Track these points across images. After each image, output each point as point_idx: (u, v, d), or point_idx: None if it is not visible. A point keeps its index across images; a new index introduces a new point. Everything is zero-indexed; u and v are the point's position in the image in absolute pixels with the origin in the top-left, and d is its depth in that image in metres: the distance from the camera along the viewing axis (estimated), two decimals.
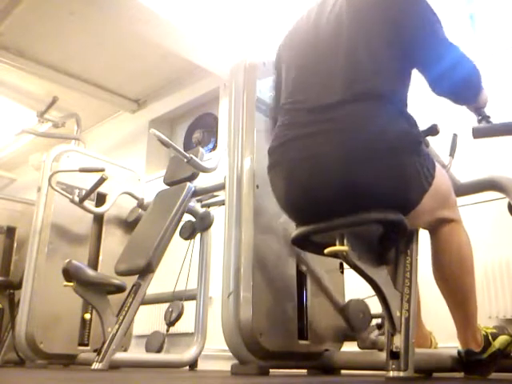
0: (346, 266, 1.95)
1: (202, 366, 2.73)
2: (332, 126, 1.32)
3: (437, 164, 1.46)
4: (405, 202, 1.37)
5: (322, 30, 1.47)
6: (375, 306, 1.70)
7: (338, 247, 1.32)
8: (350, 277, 1.94)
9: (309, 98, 1.41)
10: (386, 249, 1.42)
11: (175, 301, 2.67)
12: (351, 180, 1.30)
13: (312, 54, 1.47)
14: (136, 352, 3.06)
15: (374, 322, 1.99)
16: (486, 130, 1.57)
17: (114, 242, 3.10)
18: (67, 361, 2.72)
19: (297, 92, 1.46)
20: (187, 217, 2.71)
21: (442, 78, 1.42)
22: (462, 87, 1.47)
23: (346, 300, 2.04)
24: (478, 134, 1.54)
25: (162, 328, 2.71)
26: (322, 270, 1.93)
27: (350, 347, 1.99)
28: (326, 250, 1.34)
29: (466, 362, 1.47)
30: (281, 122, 1.48)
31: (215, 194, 2.74)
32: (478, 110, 1.59)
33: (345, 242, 1.32)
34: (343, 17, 1.43)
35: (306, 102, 1.41)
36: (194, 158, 2.50)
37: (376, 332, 1.92)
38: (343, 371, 1.94)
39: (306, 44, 1.50)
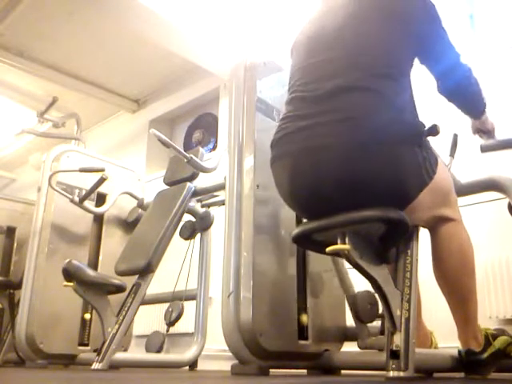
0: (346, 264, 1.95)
1: (201, 366, 2.72)
2: (333, 117, 1.31)
3: (439, 160, 1.45)
4: (402, 193, 1.36)
5: (326, 22, 1.48)
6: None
7: (339, 246, 1.31)
8: (350, 276, 1.95)
9: (311, 87, 1.40)
10: (387, 247, 1.41)
11: (175, 301, 2.67)
12: (351, 170, 1.29)
13: (316, 45, 1.47)
14: (136, 352, 3.05)
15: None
16: (494, 146, 1.75)
17: (114, 242, 3.10)
18: (67, 361, 2.72)
19: (300, 82, 1.45)
20: (187, 217, 2.71)
21: (447, 76, 1.46)
22: (472, 96, 1.60)
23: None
24: (485, 149, 1.74)
25: (162, 328, 2.71)
26: (322, 268, 1.93)
27: (350, 347, 1.99)
28: (327, 249, 1.34)
29: (467, 361, 1.47)
30: (283, 114, 1.47)
31: (215, 194, 2.74)
32: (488, 134, 1.75)
33: (346, 240, 1.31)
34: (350, 9, 1.44)
35: (309, 92, 1.39)
36: (194, 158, 2.50)
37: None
38: (343, 371, 1.94)
39: (312, 36, 1.51)
